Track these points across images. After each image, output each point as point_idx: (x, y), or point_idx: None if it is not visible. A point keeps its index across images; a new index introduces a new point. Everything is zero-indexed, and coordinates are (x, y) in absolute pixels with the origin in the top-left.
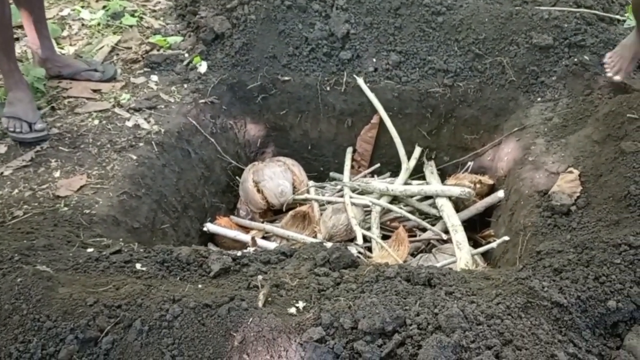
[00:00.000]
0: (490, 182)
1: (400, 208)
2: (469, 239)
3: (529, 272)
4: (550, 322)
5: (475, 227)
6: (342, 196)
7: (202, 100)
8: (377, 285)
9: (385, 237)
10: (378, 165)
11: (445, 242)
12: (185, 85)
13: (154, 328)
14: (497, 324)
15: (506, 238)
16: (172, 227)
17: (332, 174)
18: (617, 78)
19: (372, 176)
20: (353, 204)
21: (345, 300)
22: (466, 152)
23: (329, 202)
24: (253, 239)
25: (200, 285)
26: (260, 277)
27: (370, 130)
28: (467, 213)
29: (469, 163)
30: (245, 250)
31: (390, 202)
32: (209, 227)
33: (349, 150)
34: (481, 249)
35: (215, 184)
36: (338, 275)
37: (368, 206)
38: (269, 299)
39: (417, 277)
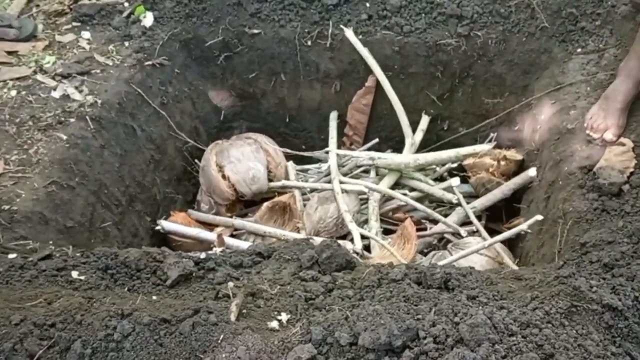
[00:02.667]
0: (519, 157)
1: (405, 194)
2: (494, 231)
3: (572, 269)
4: (601, 330)
5: (501, 216)
6: (330, 182)
7: (149, 62)
8: (381, 290)
9: (387, 232)
10: (376, 140)
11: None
12: (127, 44)
13: (99, 351)
14: (535, 335)
15: (539, 217)
16: (116, 225)
17: (316, 153)
18: (610, 136)
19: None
20: (344, 191)
21: (341, 309)
22: (486, 120)
23: (313, 190)
24: (220, 237)
25: (155, 297)
26: (231, 284)
27: (365, 96)
28: (491, 198)
29: (492, 134)
30: (210, 252)
31: (392, 188)
32: (163, 224)
33: (334, 116)
34: (507, 234)
35: (168, 170)
36: (330, 280)
37: (364, 193)
38: (244, 310)
39: (430, 279)
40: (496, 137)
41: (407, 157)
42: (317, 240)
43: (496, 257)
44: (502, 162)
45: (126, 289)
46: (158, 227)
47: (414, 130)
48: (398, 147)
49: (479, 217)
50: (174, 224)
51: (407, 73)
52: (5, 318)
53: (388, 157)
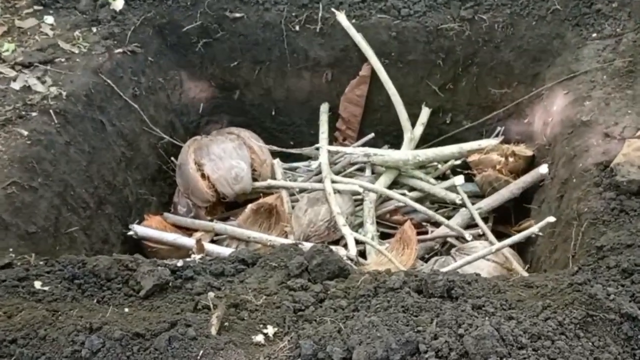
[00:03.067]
0: (529, 153)
1: (404, 195)
2: (502, 234)
3: (587, 274)
4: (620, 342)
5: (509, 218)
6: (320, 181)
7: (119, 50)
8: (377, 300)
9: (384, 236)
10: (371, 135)
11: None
12: (94, 29)
13: None
14: (547, 347)
15: (552, 219)
16: (83, 231)
17: (306, 150)
18: None
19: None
20: (337, 191)
21: (333, 321)
22: (493, 112)
23: (303, 190)
24: (199, 242)
25: (127, 309)
26: (211, 294)
27: (359, 87)
28: (498, 198)
29: (499, 128)
30: (188, 259)
31: (390, 187)
32: (137, 229)
33: (324, 108)
34: (517, 237)
35: (141, 169)
36: (321, 289)
37: (358, 193)
38: (226, 323)
39: (432, 287)
40: (504, 131)
41: (406, 153)
42: (307, 245)
43: (504, 262)
44: (511, 159)
45: (95, 300)
46: (131, 233)
47: (413, 124)
48: (396, 143)
49: (485, 219)
50: (148, 228)
51: (405, 61)
52: None
53: (385, 154)
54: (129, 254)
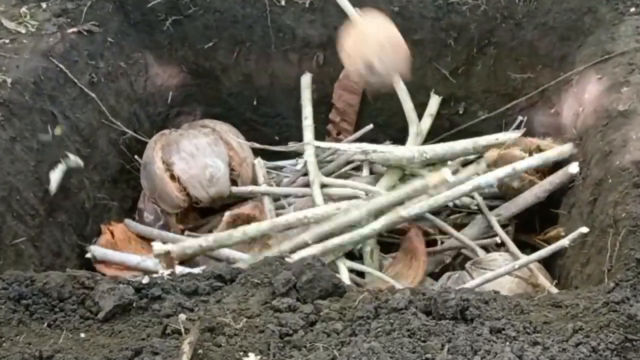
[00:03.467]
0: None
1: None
2: (525, 245)
3: (625, 292)
4: None
5: (533, 226)
6: (308, 184)
7: (73, 29)
8: (378, 323)
9: (387, 247)
10: (370, 127)
11: (485, 250)
12: (44, 5)
13: None
14: None
15: (585, 229)
16: (32, 242)
17: (292, 146)
18: None
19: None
20: (328, 197)
21: (327, 348)
22: (513, 101)
23: (287, 196)
24: (168, 255)
25: (83, 334)
26: (182, 316)
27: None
28: (521, 202)
29: (520, 119)
30: (155, 275)
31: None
32: (96, 251)
33: (306, 80)
34: (544, 252)
35: (100, 169)
36: (312, 310)
37: (355, 198)
38: (199, 351)
39: (443, 308)
40: (526, 122)
41: (411, 149)
42: (295, 257)
43: (529, 277)
44: (536, 155)
45: (45, 324)
46: (89, 255)
47: (420, 115)
48: (400, 138)
49: (505, 227)
50: (108, 251)
51: (410, 41)
52: None
53: (386, 150)
54: (85, 269)
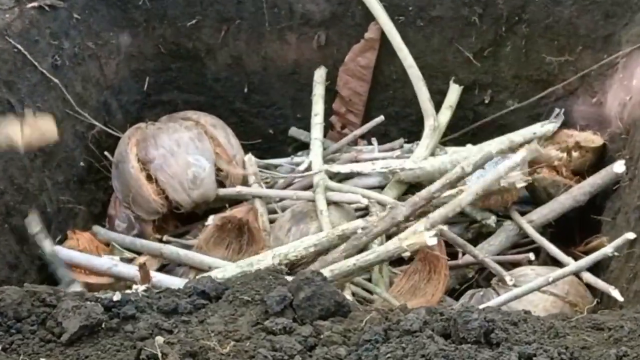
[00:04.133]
0: (598, 143)
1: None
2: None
3: None
4: None
5: (572, 235)
6: (310, 187)
7: (33, 4)
8: (388, 347)
9: (397, 260)
10: (381, 119)
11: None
12: None
13: None
14: None
15: (631, 235)
16: None
17: (292, 130)
18: None
19: (367, 142)
20: (331, 202)
21: None
22: (549, 88)
23: (282, 199)
24: (143, 268)
25: (44, 359)
26: (160, 339)
27: (364, 54)
28: (557, 208)
29: (557, 110)
30: (128, 292)
31: (406, 193)
32: (60, 252)
33: (320, 75)
34: (583, 262)
35: (64, 167)
36: (311, 332)
37: (362, 204)
38: None
39: (464, 330)
40: (564, 113)
41: (442, 160)
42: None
43: (565, 295)
44: (575, 153)
45: (0, 347)
46: (49, 258)
47: (438, 106)
48: (414, 131)
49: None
50: (73, 251)
51: (427, 18)
52: None
53: (415, 166)
54: (47, 283)
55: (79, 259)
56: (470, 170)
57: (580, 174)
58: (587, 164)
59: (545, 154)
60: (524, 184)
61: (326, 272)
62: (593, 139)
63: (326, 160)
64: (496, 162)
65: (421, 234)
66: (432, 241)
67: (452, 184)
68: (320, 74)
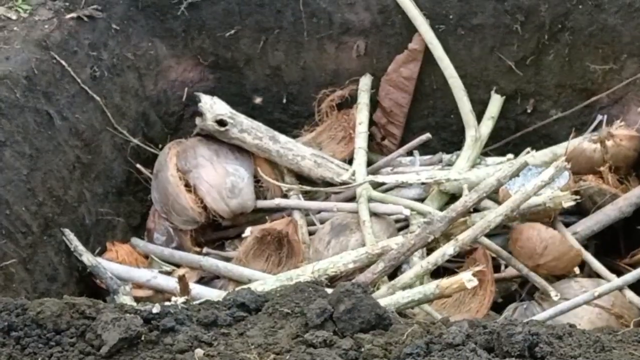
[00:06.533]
0: (634, 133)
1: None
2: (608, 270)
3: None
4: None
5: (618, 247)
6: (353, 198)
7: (72, 15)
8: None
9: (436, 272)
10: (427, 136)
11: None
12: None
13: None
14: None
15: None
16: (23, 264)
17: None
18: None
19: (409, 154)
20: (374, 214)
21: None
22: (593, 97)
23: (321, 211)
24: (183, 280)
25: None
26: (199, 351)
27: (407, 65)
28: (603, 219)
29: (599, 117)
30: (168, 304)
31: (447, 204)
32: (101, 264)
33: (365, 82)
34: (630, 276)
35: (103, 179)
36: (352, 345)
37: (403, 215)
38: None
39: (507, 343)
40: (607, 121)
41: (487, 171)
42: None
43: (611, 306)
44: (609, 142)
45: (39, 359)
46: (89, 269)
47: (479, 116)
48: (454, 141)
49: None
50: (112, 263)
51: (468, 26)
52: None
53: (460, 177)
54: (86, 295)
55: (118, 270)
56: (506, 182)
57: (621, 169)
58: (626, 157)
59: (579, 152)
60: (572, 203)
61: None
62: (625, 130)
63: (371, 172)
64: (538, 172)
65: (460, 280)
66: (472, 284)
67: (488, 196)
68: (365, 82)
